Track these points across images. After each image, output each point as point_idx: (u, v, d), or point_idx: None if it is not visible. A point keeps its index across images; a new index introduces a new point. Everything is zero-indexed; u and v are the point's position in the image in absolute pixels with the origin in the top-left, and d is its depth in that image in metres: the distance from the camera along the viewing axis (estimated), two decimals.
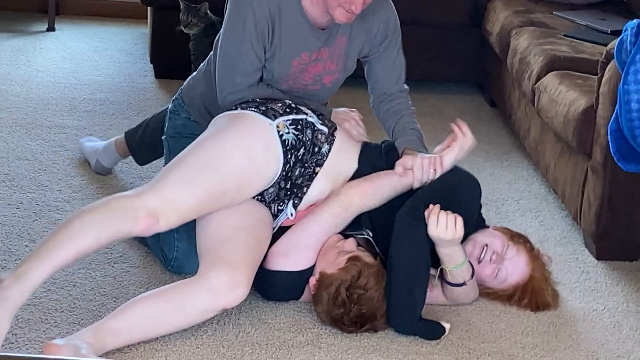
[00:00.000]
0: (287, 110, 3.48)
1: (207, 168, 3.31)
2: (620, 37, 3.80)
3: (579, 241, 4.14)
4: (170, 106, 3.89)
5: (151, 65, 5.62)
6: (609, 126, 3.80)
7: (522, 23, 5.12)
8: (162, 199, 3.22)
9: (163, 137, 3.86)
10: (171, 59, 5.50)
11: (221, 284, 3.21)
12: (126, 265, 3.65)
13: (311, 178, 3.50)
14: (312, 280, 3.41)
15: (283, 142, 3.40)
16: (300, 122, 3.46)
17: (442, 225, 3.31)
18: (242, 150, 3.37)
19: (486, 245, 3.52)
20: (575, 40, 4.89)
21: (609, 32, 5.00)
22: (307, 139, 3.46)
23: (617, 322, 3.59)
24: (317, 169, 3.51)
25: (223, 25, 3.57)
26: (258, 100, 3.51)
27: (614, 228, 3.96)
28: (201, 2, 5.15)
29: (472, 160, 4.82)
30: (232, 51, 3.52)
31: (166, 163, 3.75)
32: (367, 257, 3.40)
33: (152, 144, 4.18)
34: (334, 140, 3.53)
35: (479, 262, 3.52)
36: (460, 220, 3.32)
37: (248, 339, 3.30)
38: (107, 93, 5.24)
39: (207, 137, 3.43)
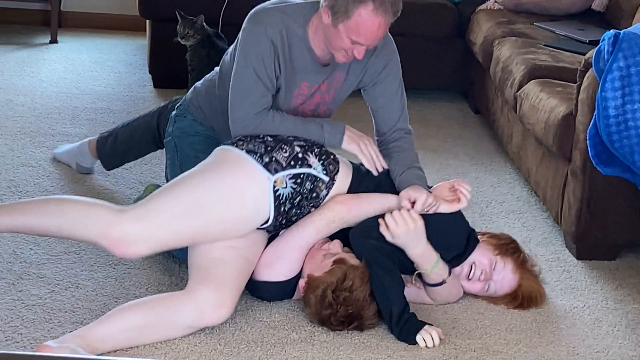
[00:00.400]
0: (292, 162, 3.40)
1: (195, 212, 3.28)
2: (598, 46, 3.81)
3: (559, 242, 4.16)
4: (174, 112, 3.90)
5: (150, 76, 5.62)
6: (587, 132, 3.81)
7: (504, 34, 5.13)
8: (143, 229, 3.23)
9: (168, 139, 3.87)
10: (169, 69, 5.50)
11: (208, 303, 3.22)
12: (127, 267, 3.66)
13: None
14: (302, 282, 3.42)
15: (277, 197, 3.37)
16: (302, 175, 3.41)
17: (393, 224, 3.33)
18: (233, 202, 3.34)
19: (474, 263, 3.53)
20: (555, 49, 4.91)
21: (587, 42, 5.02)
22: (306, 190, 3.42)
23: (596, 319, 3.61)
24: (313, 209, 3.48)
25: (236, 56, 3.53)
26: (267, 144, 3.43)
27: (593, 229, 3.98)
28: (197, 15, 5.17)
29: (458, 165, 4.86)
30: (244, 82, 3.48)
31: (172, 161, 3.80)
32: (352, 259, 3.41)
33: (121, 151, 4.28)
34: (333, 184, 3.47)
35: (469, 279, 3.56)
36: (412, 211, 3.35)
37: (244, 336, 3.31)
38: (108, 102, 5.25)
39: (204, 174, 3.37)
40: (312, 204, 3.46)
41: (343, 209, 3.45)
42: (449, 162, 4.88)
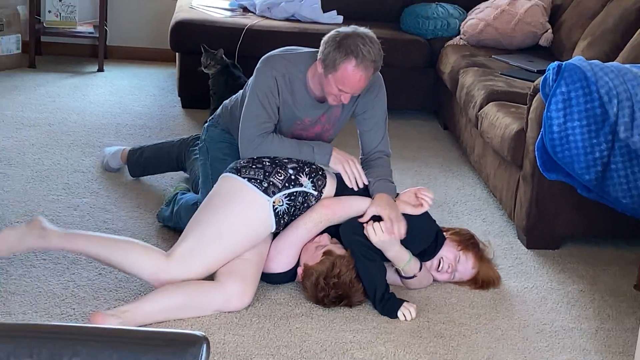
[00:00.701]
0: (286, 184, 3.39)
1: (218, 242, 3.30)
2: (544, 75, 3.81)
3: (512, 234, 4.16)
4: (207, 123, 3.92)
5: (179, 98, 5.63)
6: (535, 144, 3.81)
7: (467, 64, 5.13)
8: (185, 271, 3.26)
9: (201, 145, 3.87)
10: (194, 93, 5.50)
11: (234, 293, 3.26)
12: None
13: None
14: (299, 270, 3.44)
15: (277, 213, 3.37)
16: (294, 194, 3.40)
17: (372, 234, 3.34)
18: (244, 227, 3.34)
19: (442, 258, 3.54)
20: (509, 77, 4.91)
21: (536, 71, 5.03)
22: (299, 203, 3.41)
23: (542, 297, 3.61)
24: None
25: (248, 93, 3.56)
26: (266, 169, 3.41)
27: (540, 223, 3.98)
28: (217, 49, 5.18)
29: (430, 171, 4.86)
30: (251, 110, 3.50)
31: (204, 162, 3.81)
32: (338, 249, 3.42)
33: (143, 165, 4.33)
34: (321, 195, 3.46)
35: (438, 271, 3.57)
36: (382, 224, 3.34)
37: (255, 311, 3.32)
38: (144, 120, 5.26)
39: (219, 209, 3.36)
40: (304, 212, 3.48)
41: (328, 212, 3.45)
42: (423, 169, 4.89)
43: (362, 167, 3.59)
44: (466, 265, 3.57)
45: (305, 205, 3.45)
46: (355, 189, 3.51)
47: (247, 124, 3.52)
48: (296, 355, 3.08)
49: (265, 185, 3.37)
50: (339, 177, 3.55)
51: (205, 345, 1.20)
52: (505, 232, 4.17)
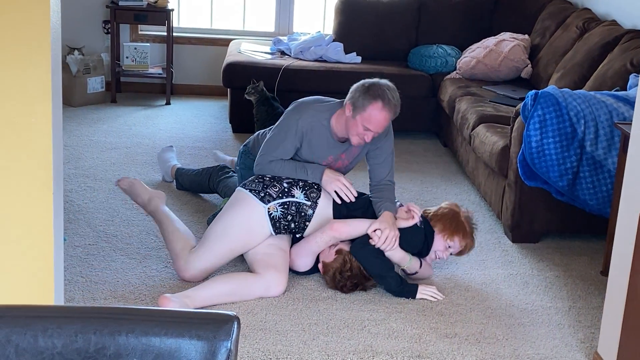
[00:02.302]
0: (280, 194, 3.36)
1: (222, 239, 3.32)
2: (524, 101, 3.79)
3: (500, 231, 4.11)
4: (242, 149, 3.87)
5: (230, 125, 5.64)
6: (518, 157, 3.79)
7: (462, 94, 5.10)
8: (197, 270, 3.31)
9: (237, 168, 3.86)
10: (242, 120, 5.50)
11: (273, 282, 3.25)
12: None
13: (304, 228, 3.43)
14: (320, 266, 3.43)
15: (272, 218, 3.35)
16: (287, 203, 3.36)
17: (377, 241, 3.30)
18: (244, 227, 3.34)
19: (435, 251, 3.48)
20: (496, 104, 4.86)
21: (518, 98, 4.98)
22: (293, 211, 3.37)
23: (525, 282, 3.57)
24: (307, 223, 3.42)
25: (274, 128, 3.52)
26: (265, 183, 3.39)
27: (522, 222, 3.94)
28: (258, 81, 5.17)
29: (432, 181, 4.82)
30: (271, 143, 3.47)
31: (239, 171, 3.79)
32: (346, 247, 3.40)
33: (183, 183, 4.30)
34: (317, 205, 3.41)
35: (437, 258, 3.52)
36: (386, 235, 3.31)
37: (290, 295, 3.31)
38: (202, 142, 5.26)
39: (226, 213, 3.39)
40: (304, 219, 3.41)
41: (336, 234, 3.39)
42: (427, 178, 4.85)
43: (371, 191, 3.50)
44: (453, 247, 3.49)
45: (303, 214, 3.39)
46: (347, 201, 3.42)
47: (265, 152, 3.47)
48: (323, 330, 3.06)
49: (262, 194, 3.36)
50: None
51: (236, 323, 1.19)
52: (494, 229, 4.13)
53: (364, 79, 3.42)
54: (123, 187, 3.76)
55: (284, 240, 3.43)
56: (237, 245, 3.35)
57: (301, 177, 3.44)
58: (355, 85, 3.39)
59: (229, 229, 3.35)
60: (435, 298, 3.30)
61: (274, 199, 3.36)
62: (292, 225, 3.41)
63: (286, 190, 3.39)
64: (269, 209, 3.35)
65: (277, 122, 3.54)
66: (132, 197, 3.74)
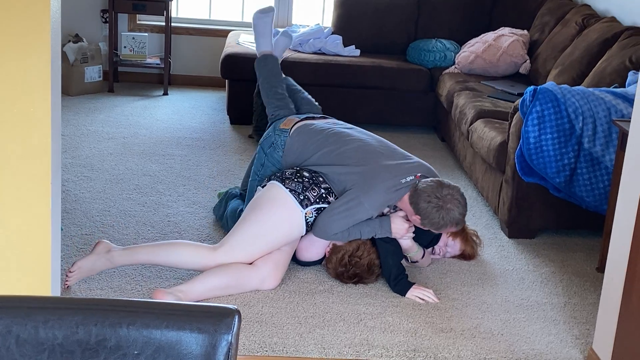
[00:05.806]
0: (318, 200, 3.34)
1: (257, 240, 3.26)
2: (523, 97, 3.79)
3: (497, 226, 4.12)
4: (265, 141, 3.68)
5: (227, 116, 5.63)
6: (515, 153, 3.79)
7: (460, 88, 5.10)
8: (227, 259, 3.24)
9: (259, 156, 3.66)
10: (240, 112, 5.50)
11: (267, 277, 3.24)
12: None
13: None
14: (327, 249, 3.43)
15: (307, 222, 3.34)
16: (322, 208, 3.35)
17: (396, 232, 3.35)
18: (281, 228, 3.30)
19: (433, 247, 3.59)
20: (494, 99, 4.87)
21: (516, 94, 4.98)
22: None
23: (521, 277, 3.58)
24: None
25: (356, 199, 3.34)
26: (304, 184, 3.35)
27: (519, 218, 3.94)
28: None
29: None
30: (349, 216, 3.34)
31: (253, 176, 3.64)
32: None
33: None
34: None
35: (433, 254, 3.60)
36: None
37: (286, 287, 3.31)
38: (200, 133, 5.26)
39: (262, 211, 3.31)
40: None
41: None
42: None
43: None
44: (454, 247, 3.61)
45: None
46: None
47: (341, 219, 3.32)
48: (319, 323, 3.07)
49: (302, 197, 3.34)
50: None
51: (237, 316, 1.19)
52: (491, 225, 4.14)
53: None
54: (77, 278, 3.20)
55: (296, 236, 3.42)
56: (272, 247, 3.30)
57: (369, 233, 3.38)
58: (425, 196, 3.23)
59: (266, 233, 3.27)
60: (424, 300, 3.29)
61: (312, 204, 3.35)
62: None
63: (323, 195, 3.38)
64: (306, 214, 3.34)
65: (360, 196, 3.32)
66: (93, 272, 3.22)
